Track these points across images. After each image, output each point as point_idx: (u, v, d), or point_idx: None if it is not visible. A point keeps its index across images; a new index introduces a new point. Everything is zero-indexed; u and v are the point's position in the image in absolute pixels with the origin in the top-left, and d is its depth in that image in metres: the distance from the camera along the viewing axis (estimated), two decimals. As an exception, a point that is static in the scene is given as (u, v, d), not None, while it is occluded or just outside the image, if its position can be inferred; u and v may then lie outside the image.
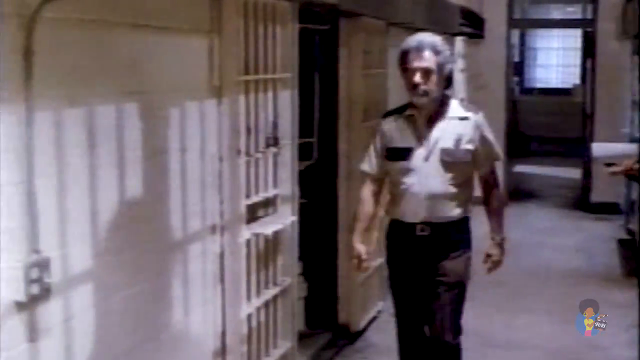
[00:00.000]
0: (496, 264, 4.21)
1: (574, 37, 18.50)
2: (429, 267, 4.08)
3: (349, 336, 5.97)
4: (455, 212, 4.07)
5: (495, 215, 4.22)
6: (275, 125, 4.28)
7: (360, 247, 4.22)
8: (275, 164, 4.34)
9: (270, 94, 4.24)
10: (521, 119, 16.46)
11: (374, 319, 6.29)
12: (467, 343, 4.32)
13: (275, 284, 4.39)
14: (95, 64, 2.95)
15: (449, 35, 8.41)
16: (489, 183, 4.21)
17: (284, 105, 4.41)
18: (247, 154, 3.97)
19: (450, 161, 3.99)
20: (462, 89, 9.54)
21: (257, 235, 4.10)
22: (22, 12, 2.55)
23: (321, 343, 5.73)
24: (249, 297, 4.05)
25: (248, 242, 4.00)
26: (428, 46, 3.95)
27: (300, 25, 4.71)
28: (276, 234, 4.32)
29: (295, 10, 4.55)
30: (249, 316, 4.06)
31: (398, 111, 4.18)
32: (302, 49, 4.79)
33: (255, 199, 4.10)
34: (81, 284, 2.92)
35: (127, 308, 3.20)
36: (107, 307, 3.07)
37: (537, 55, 20.86)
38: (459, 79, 9.03)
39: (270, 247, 4.29)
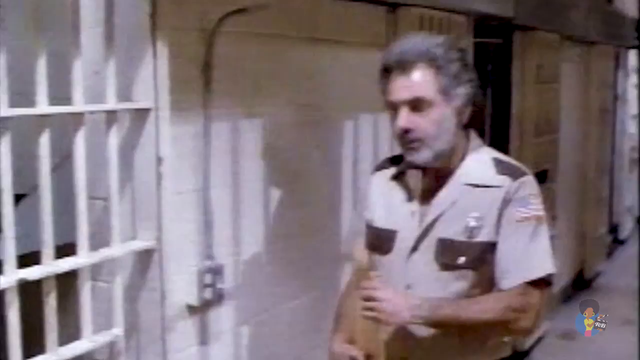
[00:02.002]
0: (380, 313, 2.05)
1: None
2: None
3: (514, 356, 5.70)
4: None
5: (478, 301, 2.10)
6: (447, 139, 4.13)
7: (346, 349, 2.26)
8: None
9: (443, 108, 4.10)
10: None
11: (539, 339, 6.02)
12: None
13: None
14: (271, 76, 2.92)
15: (624, 48, 7.99)
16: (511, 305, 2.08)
17: (456, 119, 4.26)
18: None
19: (454, 264, 2.10)
20: (636, 106, 9.05)
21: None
22: (203, 26, 2.55)
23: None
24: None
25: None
26: (420, 57, 2.08)
27: (474, 39, 4.56)
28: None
29: (470, 24, 4.41)
30: (417, 330, 3.91)
31: (396, 161, 2.33)
32: (476, 62, 4.63)
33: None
34: (253, 291, 2.89)
35: (296, 316, 3.16)
36: (277, 314, 3.03)
37: None
38: (633, 95, 8.56)
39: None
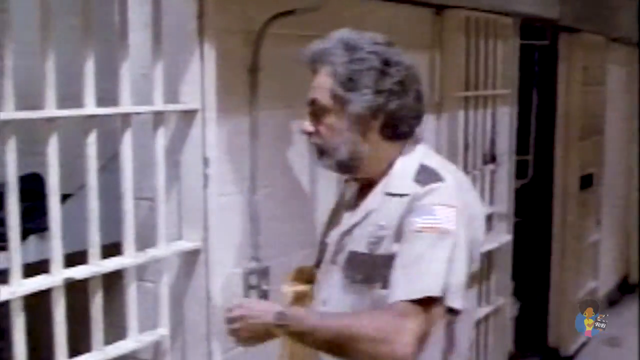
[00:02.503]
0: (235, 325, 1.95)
1: None
2: None
3: (559, 360, 5.65)
4: None
5: (351, 317, 1.83)
6: (493, 142, 4.12)
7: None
8: (492, 182, 4.16)
9: (489, 111, 4.07)
10: None
11: (584, 344, 5.92)
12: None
13: (488, 302, 4.21)
14: (317, 78, 2.89)
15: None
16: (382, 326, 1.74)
17: (502, 122, 4.24)
18: (465, 170, 3.82)
19: (355, 279, 1.91)
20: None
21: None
22: (249, 28, 2.54)
23: (530, 366, 5.45)
24: (461, 315, 3.88)
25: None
26: (321, 58, 1.96)
27: (520, 41, 4.51)
28: (491, 252, 4.13)
29: (516, 25, 4.36)
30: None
31: None
32: (521, 64, 4.58)
33: (470, 216, 3.93)
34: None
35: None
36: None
37: None
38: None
39: (484, 265, 4.11)
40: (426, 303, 1.72)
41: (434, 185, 1.83)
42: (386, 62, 1.90)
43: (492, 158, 4.13)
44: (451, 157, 3.72)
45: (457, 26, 3.70)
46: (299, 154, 2.83)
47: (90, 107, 2.10)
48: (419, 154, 1.95)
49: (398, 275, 1.77)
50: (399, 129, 1.93)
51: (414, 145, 1.97)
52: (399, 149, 1.95)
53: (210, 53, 2.37)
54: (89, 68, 2.08)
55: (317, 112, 1.96)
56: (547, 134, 5.56)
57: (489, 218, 4.17)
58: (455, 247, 1.77)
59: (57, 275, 2.04)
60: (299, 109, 2.79)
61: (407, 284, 1.74)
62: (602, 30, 5.83)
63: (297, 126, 2.09)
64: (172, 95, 2.38)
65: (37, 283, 2.00)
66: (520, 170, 5.15)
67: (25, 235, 2.21)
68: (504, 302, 4.42)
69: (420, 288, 1.73)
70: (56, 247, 2.05)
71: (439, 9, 3.65)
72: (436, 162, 1.94)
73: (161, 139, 2.33)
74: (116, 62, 2.19)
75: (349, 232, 1.96)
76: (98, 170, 2.16)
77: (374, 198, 1.93)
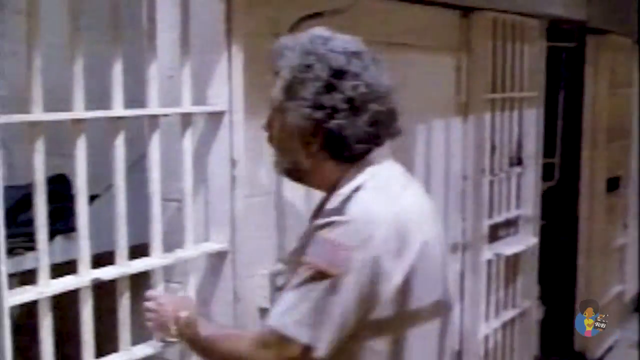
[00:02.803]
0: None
1: None
2: None
3: (585, 365, 5.59)
4: None
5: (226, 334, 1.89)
6: (519, 145, 4.09)
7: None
8: (518, 184, 4.13)
9: (515, 113, 4.04)
10: None
11: (610, 348, 5.86)
12: None
13: (514, 306, 4.17)
14: (345, 79, 2.87)
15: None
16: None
17: (529, 125, 4.22)
18: (491, 172, 3.81)
19: None
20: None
21: (497, 255, 3.90)
22: (277, 30, 2.52)
23: (555, 370, 5.40)
24: (487, 318, 3.86)
25: (489, 262, 3.82)
26: (278, 58, 1.82)
27: (547, 43, 4.47)
28: (517, 255, 4.10)
29: (543, 28, 4.33)
30: (487, 337, 3.86)
31: None
32: (548, 66, 4.54)
33: (497, 218, 3.93)
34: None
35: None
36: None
37: None
38: None
39: (510, 268, 4.08)
40: (289, 339, 1.63)
41: (334, 219, 1.64)
42: (338, 75, 1.69)
43: (518, 161, 4.10)
44: (478, 159, 3.70)
45: (484, 28, 3.68)
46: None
47: (118, 109, 2.10)
48: (361, 180, 1.71)
49: (281, 298, 1.68)
50: (344, 151, 1.72)
51: (362, 168, 1.74)
52: (346, 170, 1.74)
53: (238, 55, 2.36)
54: (117, 70, 2.08)
55: (271, 113, 1.83)
56: (574, 136, 5.51)
57: (515, 221, 4.14)
58: (332, 293, 1.60)
59: (85, 276, 2.04)
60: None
61: (281, 313, 1.66)
62: (629, 32, 5.77)
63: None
64: (199, 97, 2.37)
65: (65, 283, 2.00)
66: (546, 172, 5.10)
67: (52, 235, 2.21)
68: (530, 306, 4.39)
69: (283, 323, 1.64)
70: (84, 248, 2.04)
71: (466, 11, 3.63)
72: (376, 189, 1.70)
73: (189, 141, 2.33)
74: (144, 64, 2.19)
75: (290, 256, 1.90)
76: (125, 171, 2.16)
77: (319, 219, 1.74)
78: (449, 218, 3.66)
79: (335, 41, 1.75)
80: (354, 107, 1.68)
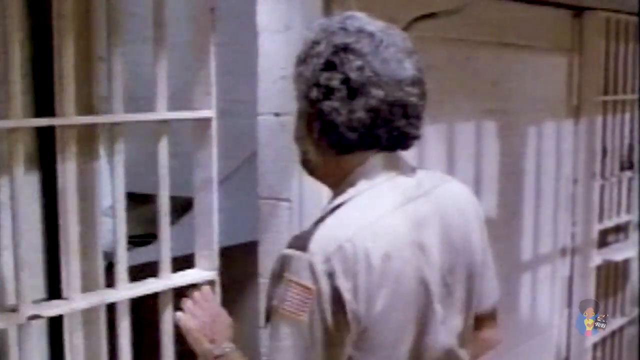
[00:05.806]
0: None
1: None
2: None
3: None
4: None
5: None
6: (631, 148, 3.93)
7: None
8: (629, 189, 3.98)
9: (627, 116, 3.89)
10: None
11: None
12: None
13: (622, 314, 4.03)
14: (459, 81, 2.82)
15: None
16: None
17: (641, 128, 4.04)
18: (602, 176, 3.68)
19: None
20: None
21: (607, 261, 3.76)
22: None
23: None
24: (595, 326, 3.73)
25: (598, 267, 3.69)
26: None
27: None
28: (626, 261, 3.95)
29: (657, 28, 4.15)
30: (595, 345, 3.73)
31: None
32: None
33: (607, 223, 3.79)
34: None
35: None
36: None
37: None
38: None
39: (619, 274, 3.94)
40: None
41: (286, 252, 1.42)
42: (341, 52, 1.47)
43: (629, 164, 3.95)
44: (588, 163, 3.60)
45: (596, 28, 3.56)
46: (437, 158, 2.76)
47: (204, 111, 2.05)
48: (353, 192, 1.49)
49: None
50: (336, 138, 1.48)
51: (355, 180, 1.51)
52: (345, 174, 1.52)
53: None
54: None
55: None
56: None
57: (625, 227, 3.99)
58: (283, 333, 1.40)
59: (165, 281, 2.00)
60: (437, 113, 2.75)
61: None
62: None
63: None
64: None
65: (145, 288, 1.97)
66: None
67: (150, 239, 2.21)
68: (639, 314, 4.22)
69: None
70: (164, 251, 2.01)
71: (579, 11, 3.52)
72: (358, 209, 1.47)
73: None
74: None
75: None
76: (233, 170, 2.14)
77: None
78: (557, 222, 3.57)
79: (354, 20, 1.51)
80: (352, 88, 1.45)
